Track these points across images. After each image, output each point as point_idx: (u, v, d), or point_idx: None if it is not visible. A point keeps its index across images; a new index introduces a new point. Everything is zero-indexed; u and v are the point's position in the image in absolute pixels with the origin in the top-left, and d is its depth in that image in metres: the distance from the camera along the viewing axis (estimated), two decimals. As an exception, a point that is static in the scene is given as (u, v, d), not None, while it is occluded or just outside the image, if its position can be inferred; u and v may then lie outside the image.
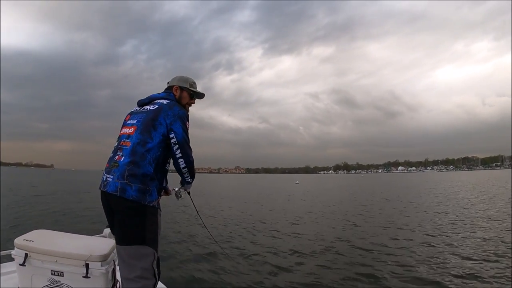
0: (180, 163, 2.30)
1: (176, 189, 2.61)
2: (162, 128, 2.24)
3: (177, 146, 2.25)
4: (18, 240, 2.45)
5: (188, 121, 2.37)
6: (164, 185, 2.40)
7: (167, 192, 2.60)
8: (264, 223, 12.48)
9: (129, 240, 2.13)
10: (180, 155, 2.27)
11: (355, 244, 8.58)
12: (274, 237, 9.79)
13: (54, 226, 10.60)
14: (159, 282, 2.43)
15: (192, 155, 2.36)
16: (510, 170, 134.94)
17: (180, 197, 2.63)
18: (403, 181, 59.55)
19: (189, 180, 2.48)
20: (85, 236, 2.95)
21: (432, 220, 12.54)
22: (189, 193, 2.70)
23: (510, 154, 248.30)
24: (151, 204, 2.16)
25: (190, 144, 2.35)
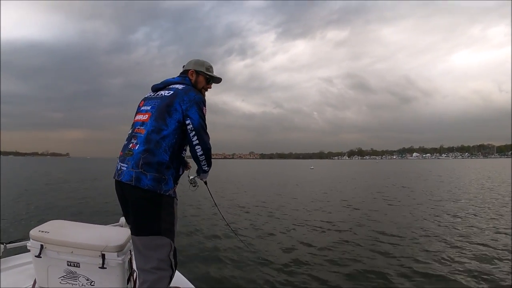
0: (197, 150, 2.22)
1: (191, 177, 2.53)
2: (178, 114, 2.16)
3: (193, 132, 2.16)
4: (33, 232, 2.43)
5: (205, 106, 2.28)
6: (180, 173, 2.33)
7: (186, 166, 2.51)
8: (282, 211, 12.38)
9: (145, 230, 2.09)
10: (197, 142, 2.19)
11: (367, 233, 8.55)
12: (290, 226, 9.72)
13: (70, 215, 10.70)
14: (177, 272, 2.42)
15: (210, 142, 2.29)
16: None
17: (194, 186, 2.56)
18: (418, 168, 59.34)
19: (206, 168, 2.40)
20: (100, 225, 2.93)
21: (446, 210, 12.51)
22: (205, 182, 2.63)
23: None
24: (167, 193, 2.10)
25: (207, 131, 2.27)
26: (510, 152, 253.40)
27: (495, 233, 8.38)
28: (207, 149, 2.25)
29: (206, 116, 2.27)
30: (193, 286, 2.76)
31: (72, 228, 2.67)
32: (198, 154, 2.23)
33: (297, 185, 23.74)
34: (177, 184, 2.28)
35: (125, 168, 2.11)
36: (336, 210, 12.37)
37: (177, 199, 2.23)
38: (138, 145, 2.13)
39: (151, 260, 2.07)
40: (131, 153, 2.13)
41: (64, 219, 2.87)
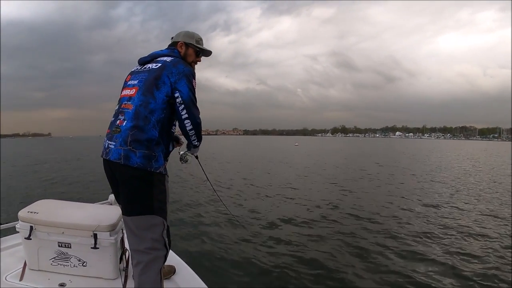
0: (187, 125, 2.11)
1: (182, 152, 2.44)
2: (166, 88, 2.05)
3: (182, 106, 2.06)
4: (22, 213, 2.35)
5: (194, 79, 2.17)
6: (170, 149, 2.24)
7: (178, 142, 2.47)
8: (269, 188, 12.42)
9: (137, 210, 2.00)
10: (186, 116, 2.08)
11: (347, 211, 8.70)
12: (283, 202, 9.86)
13: (57, 195, 10.59)
14: (170, 251, 2.37)
15: (200, 116, 2.18)
16: (508, 142, 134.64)
17: (185, 161, 2.47)
18: (400, 147, 61.54)
19: (196, 143, 2.30)
20: (91, 204, 2.86)
21: (427, 190, 12.72)
22: (196, 157, 2.56)
23: (508, 127, 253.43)
24: (158, 171, 2.01)
25: (197, 105, 2.16)
26: (491, 135, 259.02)
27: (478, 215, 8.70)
28: (196, 123, 2.15)
29: (196, 90, 2.17)
30: (185, 264, 2.72)
31: (61, 207, 2.59)
32: (188, 128, 2.13)
33: (286, 163, 23.77)
34: (167, 160, 2.21)
35: (112, 146, 2.01)
36: (324, 188, 12.51)
37: (168, 176, 2.15)
38: (125, 121, 2.02)
39: (145, 241, 2.01)
40: (119, 130, 2.02)
41: (53, 199, 2.78)
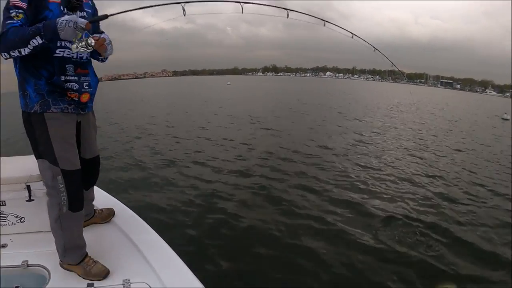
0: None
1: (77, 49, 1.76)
2: None
3: None
4: None
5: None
6: (52, 79, 1.85)
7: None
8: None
9: (35, 155, 1.96)
10: None
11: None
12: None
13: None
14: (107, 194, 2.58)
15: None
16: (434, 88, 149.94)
17: (83, 47, 1.74)
18: (332, 87, 65.82)
19: (17, 54, 1.71)
20: (21, 156, 2.69)
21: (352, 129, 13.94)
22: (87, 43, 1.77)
23: (434, 74, 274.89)
24: (33, 110, 1.85)
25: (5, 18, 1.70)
26: (418, 80, 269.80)
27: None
28: None
29: (17, 6, 1.70)
30: (124, 206, 2.69)
31: None
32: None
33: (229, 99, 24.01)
34: (58, 92, 1.89)
35: None
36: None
37: (54, 112, 1.88)
38: None
39: (45, 186, 2.00)
40: None
41: None
